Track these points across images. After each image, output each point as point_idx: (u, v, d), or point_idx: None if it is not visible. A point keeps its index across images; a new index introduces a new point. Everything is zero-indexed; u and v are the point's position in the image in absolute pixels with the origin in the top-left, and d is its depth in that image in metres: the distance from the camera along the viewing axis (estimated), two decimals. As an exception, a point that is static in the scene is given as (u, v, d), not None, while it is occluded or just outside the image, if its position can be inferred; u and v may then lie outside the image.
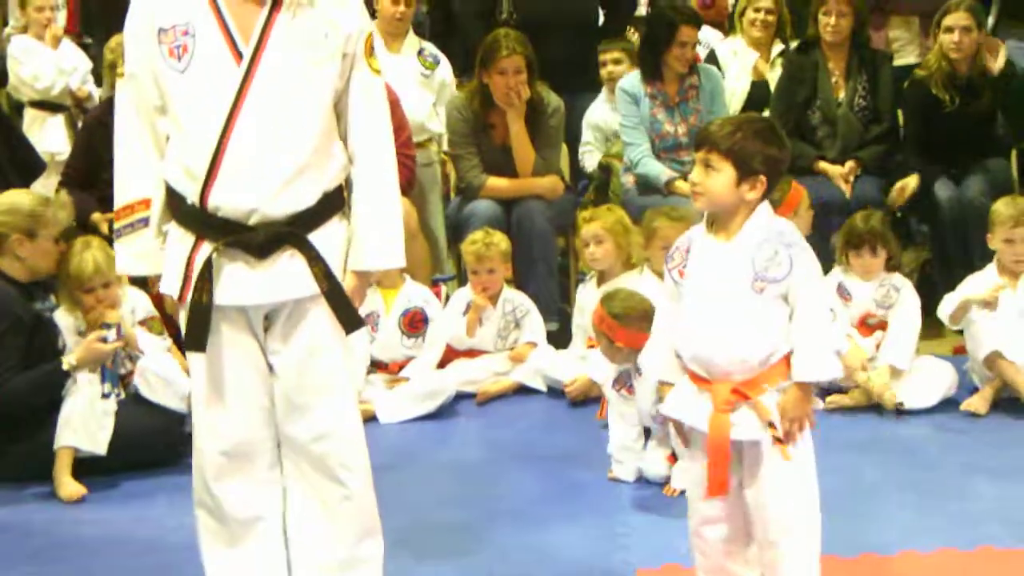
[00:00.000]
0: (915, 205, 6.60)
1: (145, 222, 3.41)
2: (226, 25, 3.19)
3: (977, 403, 5.29)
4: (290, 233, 3.24)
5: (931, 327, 5.62)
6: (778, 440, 3.24)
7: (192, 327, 3.27)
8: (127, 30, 3.31)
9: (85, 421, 4.91)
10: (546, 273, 6.41)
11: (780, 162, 3.31)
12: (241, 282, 3.25)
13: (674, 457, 4.60)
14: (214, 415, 3.35)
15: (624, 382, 4.70)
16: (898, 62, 7.12)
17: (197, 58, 3.19)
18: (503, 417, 5.66)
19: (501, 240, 6.06)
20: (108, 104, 6.28)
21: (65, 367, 4.91)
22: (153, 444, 5.07)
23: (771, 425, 3.24)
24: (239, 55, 3.19)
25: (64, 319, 5.12)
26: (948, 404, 5.36)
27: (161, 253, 3.36)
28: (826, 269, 5.58)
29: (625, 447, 4.70)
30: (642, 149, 6.56)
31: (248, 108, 3.17)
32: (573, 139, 7.15)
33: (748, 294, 3.24)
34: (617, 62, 7.15)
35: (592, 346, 5.70)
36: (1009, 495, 4.42)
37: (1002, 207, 5.50)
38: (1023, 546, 3.97)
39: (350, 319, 3.34)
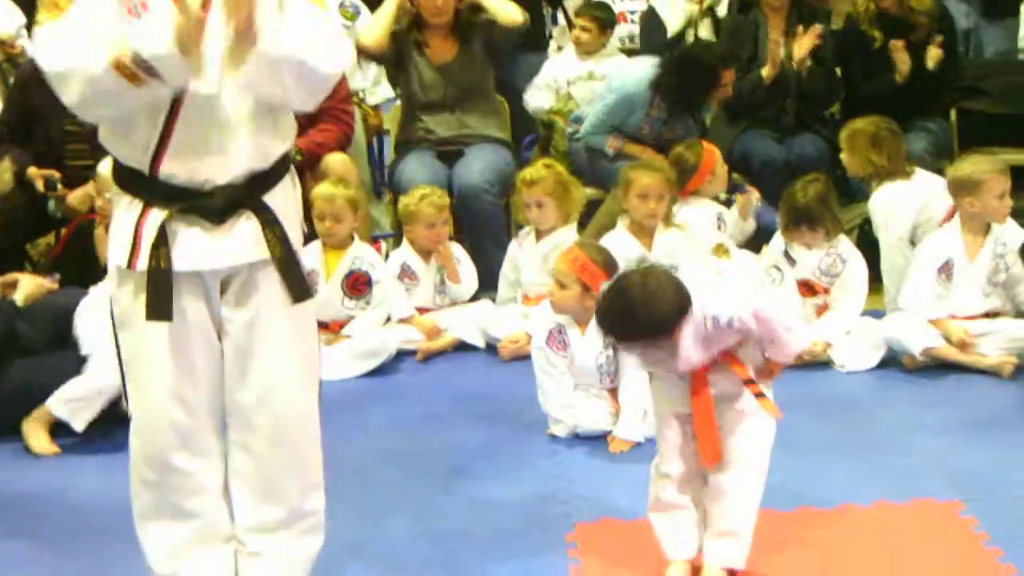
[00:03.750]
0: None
1: None
2: None
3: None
4: (247, 196, 3.16)
5: (870, 284, 5.64)
6: (760, 396, 3.43)
7: (154, 296, 3.13)
8: None
9: None
10: (495, 248, 6.34)
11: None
12: (197, 247, 3.15)
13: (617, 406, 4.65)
14: (160, 386, 3.23)
15: (557, 337, 4.71)
16: (837, 26, 7.14)
17: (155, 14, 2.97)
18: (443, 373, 5.65)
19: (443, 194, 6.07)
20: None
21: (21, 303, 4.94)
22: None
23: (749, 383, 3.41)
24: None
25: None
26: (885, 362, 5.38)
27: None
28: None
29: (565, 404, 4.71)
30: (600, 133, 6.51)
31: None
32: (516, 96, 7.11)
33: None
34: (585, 30, 7.12)
35: (529, 303, 5.73)
36: (946, 449, 4.46)
37: (986, 166, 5.38)
38: (959, 497, 4.01)
39: (299, 289, 3.25)
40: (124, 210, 3.18)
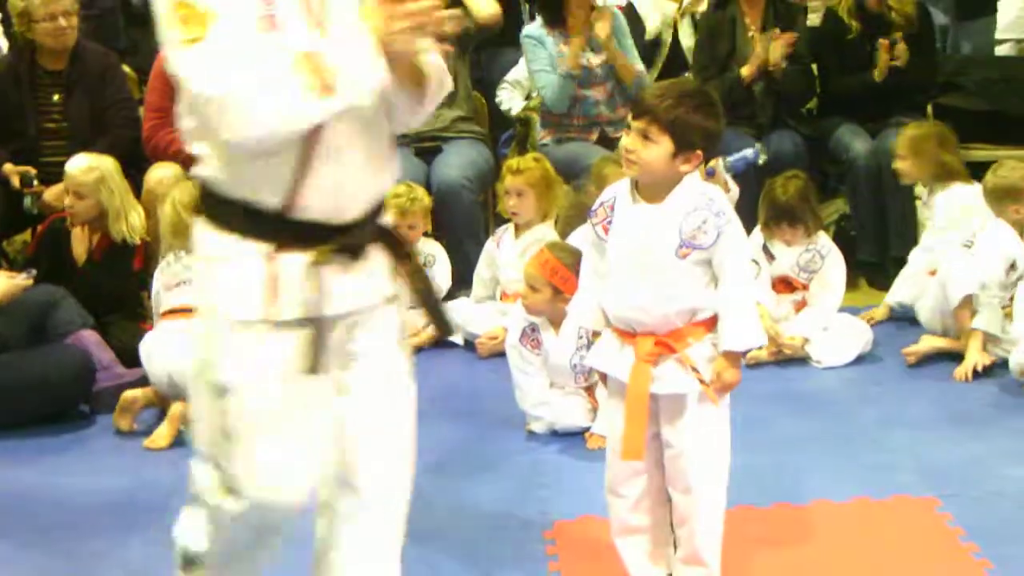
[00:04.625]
0: (832, 159, 6.67)
1: None
2: None
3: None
4: (382, 228, 2.89)
5: (847, 281, 5.65)
6: (703, 383, 3.23)
7: (311, 350, 2.75)
8: None
9: None
10: (473, 244, 6.30)
11: (717, 136, 3.27)
12: (341, 288, 2.78)
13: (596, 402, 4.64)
14: (276, 457, 2.79)
15: (530, 336, 4.73)
16: (813, 22, 7.16)
17: (286, 32, 2.65)
18: (421, 370, 5.48)
19: (424, 195, 6.00)
20: (17, 53, 6.19)
21: None
22: (65, 391, 5.03)
23: (695, 370, 3.23)
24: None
25: None
26: (862, 359, 5.39)
27: None
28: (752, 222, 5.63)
29: (541, 401, 4.71)
30: (546, 83, 6.49)
31: None
32: (493, 93, 7.10)
33: (671, 259, 3.21)
34: None
35: (507, 300, 5.72)
36: (922, 445, 4.47)
37: None
38: (935, 493, 4.03)
39: (445, 321, 3.09)
40: (236, 255, 2.74)
